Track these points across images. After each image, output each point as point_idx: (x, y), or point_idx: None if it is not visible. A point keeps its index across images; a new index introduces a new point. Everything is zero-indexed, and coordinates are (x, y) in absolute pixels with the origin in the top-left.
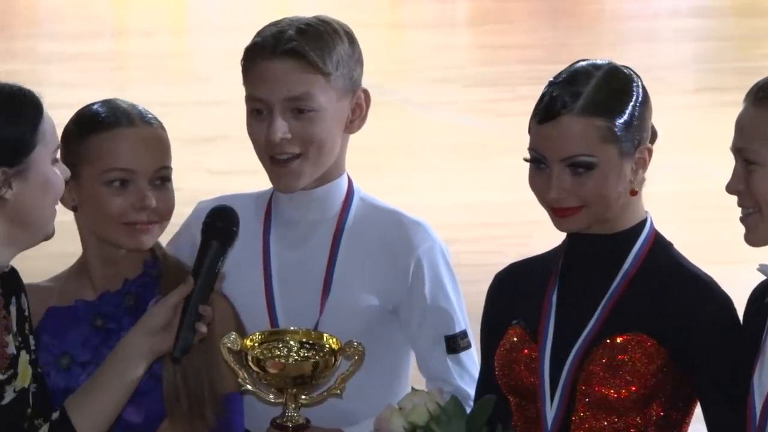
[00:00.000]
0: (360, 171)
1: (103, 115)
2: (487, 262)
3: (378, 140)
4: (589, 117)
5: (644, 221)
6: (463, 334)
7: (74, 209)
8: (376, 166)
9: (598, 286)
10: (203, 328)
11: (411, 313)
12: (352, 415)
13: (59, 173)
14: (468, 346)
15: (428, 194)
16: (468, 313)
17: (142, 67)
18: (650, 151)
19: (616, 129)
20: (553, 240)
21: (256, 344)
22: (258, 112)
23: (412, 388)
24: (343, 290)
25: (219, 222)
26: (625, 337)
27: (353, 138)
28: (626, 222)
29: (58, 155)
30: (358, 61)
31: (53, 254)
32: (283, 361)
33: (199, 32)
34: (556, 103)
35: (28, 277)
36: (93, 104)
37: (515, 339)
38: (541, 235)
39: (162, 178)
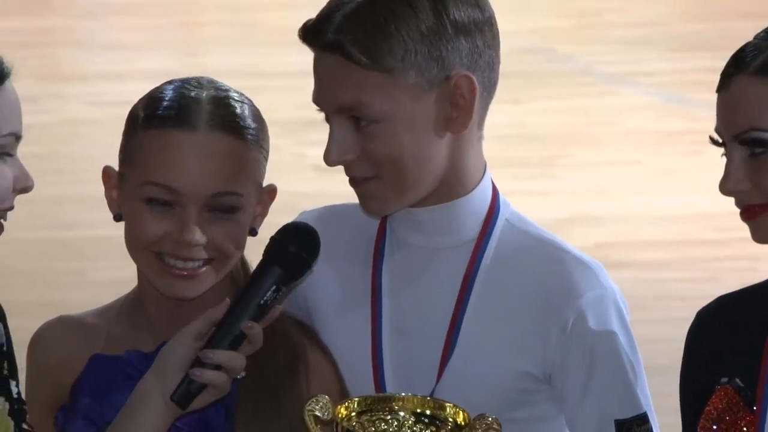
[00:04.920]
0: (524, 169)
1: (165, 103)
2: (699, 295)
3: (549, 126)
4: (766, 78)
5: None
6: (642, 419)
7: (117, 219)
8: (546, 161)
9: None
10: (238, 362)
11: (568, 384)
12: None
13: (7, 169)
14: None
15: (620, 200)
16: (674, 362)
17: (222, 23)
18: None
19: None
20: None
21: (354, 413)
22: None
23: None
24: (473, 345)
25: (292, 245)
26: None
27: (514, 124)
28: None
29: (11, 150)
30: (459, 33)
31: (101, 282)
32: None
33: None
34: (732, 63)
35: (65, 310)
36: (170, 84)
37: (724, 404)
38: None
39: (223, 208)
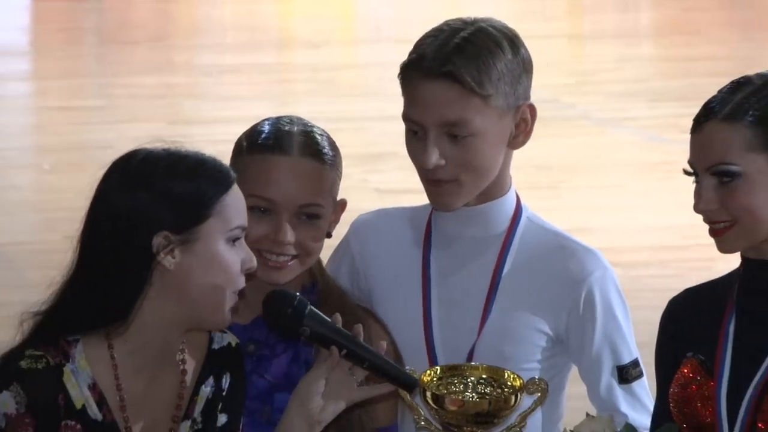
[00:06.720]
0: (537, 191)
1: (263, 135)
2: (669, 287)
3: (555, 158)
4: (732, 123)
5: None
6: (635, 363)
7: None
8: (553, 185)
9: None
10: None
11: (582, 345)
12: None
13: (236, 256)
14: (640, 375)
15: (609, 216)
16: (650, 339)
17: (307, 80)
18: None
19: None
20: (737, 264)
21: (434, 380)
22: (414, 132)
23: (587, 414)
24: (504, 312)
25: (284, 309)
26: None
27: (529, 156)
28: None
29: (242, 237)
30: (524, 71)
31: None
32: (461, 397)
33: (369, 43)
34: (704, 111)
35: None
36: (267, 120)
37: (689, 373)
38: (724, 258)
39: (308, 215)
